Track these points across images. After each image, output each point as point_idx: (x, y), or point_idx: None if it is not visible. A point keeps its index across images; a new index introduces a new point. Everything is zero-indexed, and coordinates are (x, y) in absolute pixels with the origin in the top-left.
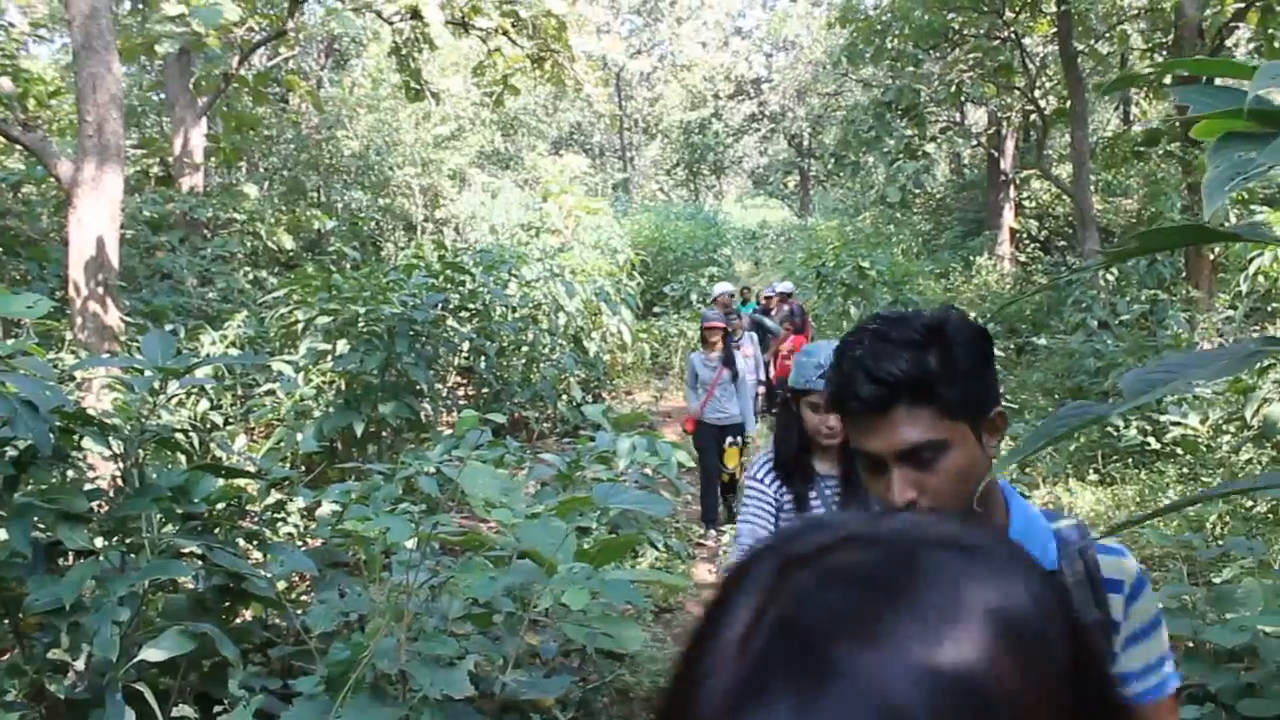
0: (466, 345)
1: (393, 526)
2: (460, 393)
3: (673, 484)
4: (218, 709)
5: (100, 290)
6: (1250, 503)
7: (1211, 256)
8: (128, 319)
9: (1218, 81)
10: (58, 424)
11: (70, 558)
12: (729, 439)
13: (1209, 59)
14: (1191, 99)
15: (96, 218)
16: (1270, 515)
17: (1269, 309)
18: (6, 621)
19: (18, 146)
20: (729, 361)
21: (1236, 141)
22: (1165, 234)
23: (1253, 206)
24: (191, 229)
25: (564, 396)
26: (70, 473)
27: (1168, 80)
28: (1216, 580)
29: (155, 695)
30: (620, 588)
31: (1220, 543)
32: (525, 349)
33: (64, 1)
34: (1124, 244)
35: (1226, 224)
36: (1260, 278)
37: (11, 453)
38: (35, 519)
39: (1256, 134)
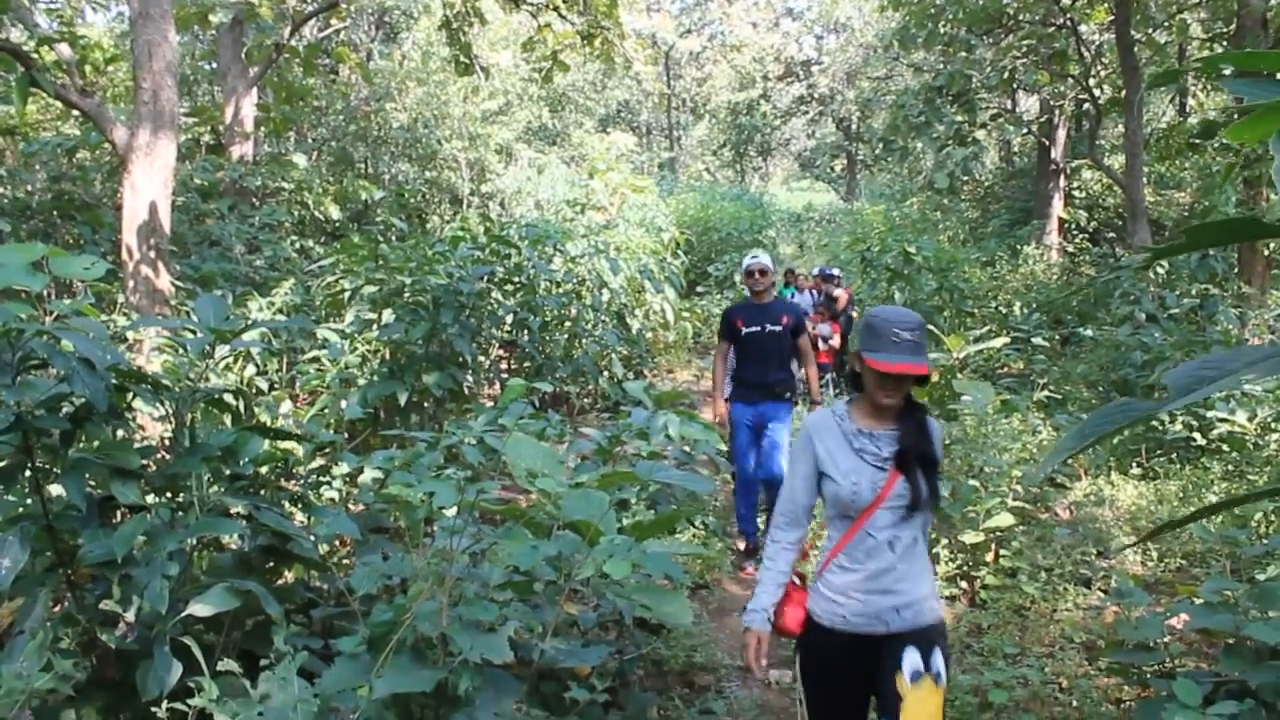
0: (510, 318)
1: (438, 491)
2: (503, 366)
3: (713, 461)
4: (262, 663)
5: (152, 255)
6: None
7: (1266, 252)
8: (178, 283)
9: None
10: (113, 381)
11: (121, 514)
12: (906, 665)
13: (1260, 52)
14: (1244, 91)
15: (150, 183)
16: None
17: None
18: (61, 572)
19: (73, 113)
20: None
21: None
22: (1214, 228)
23: None
24: (240, 197)
25: (606, 372)
26: (121, 431)
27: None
28: (1261, 577)
29: (201, 650)
30: (661, 559)
31: (1265, 540)
32: (568, 324)
33: None
34: (1174, 238)
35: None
36: None
37: (67, 409)
38: (89, 474)
39: None
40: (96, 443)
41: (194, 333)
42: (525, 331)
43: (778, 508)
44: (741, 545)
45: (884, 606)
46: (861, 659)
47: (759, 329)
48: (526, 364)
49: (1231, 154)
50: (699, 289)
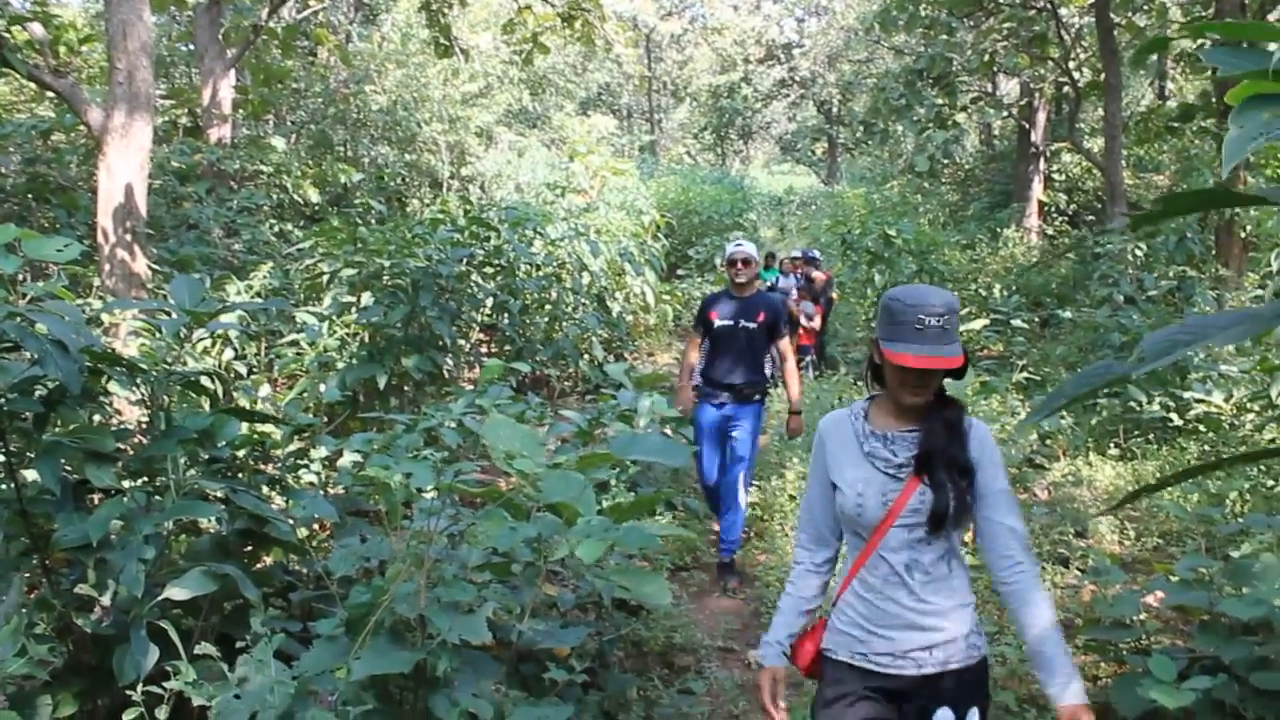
0: (490, 301)
1: (415, 471)
2: (483, 349)
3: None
4: (239, 645)
5: (128, 238)
6: (1272, 482)
7: (1243, 235)
8: (155, 267)
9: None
10: (87, 364)
11: (97, 497)
12: None
13: (1241, 23)
14: (1221, 61)
15: (126, 165)
16: None
17: None
18: (36, 557)
19: (48, 94)
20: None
21: (1263, 103)
22: (1189, 197)
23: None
24: (218, 180)
25: (586, 355)
26: (97, 417)
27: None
28: (1235, 554)
29: (178, 634)
30: (636, 534)
31: (1240, 519)
32: (548, 307)
33: None
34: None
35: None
36: None
37: (41, 392)
38: (63, 458)
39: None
40: (71, 426)
41: (169, 315)
42: (505, 314)
43: (799, 524)
44: (715, 526)
45: (913, 645)
46: (887, 708)
47: (732, 324)
48: (507, 347)
49: (1209, 137)
50: (680, 272)
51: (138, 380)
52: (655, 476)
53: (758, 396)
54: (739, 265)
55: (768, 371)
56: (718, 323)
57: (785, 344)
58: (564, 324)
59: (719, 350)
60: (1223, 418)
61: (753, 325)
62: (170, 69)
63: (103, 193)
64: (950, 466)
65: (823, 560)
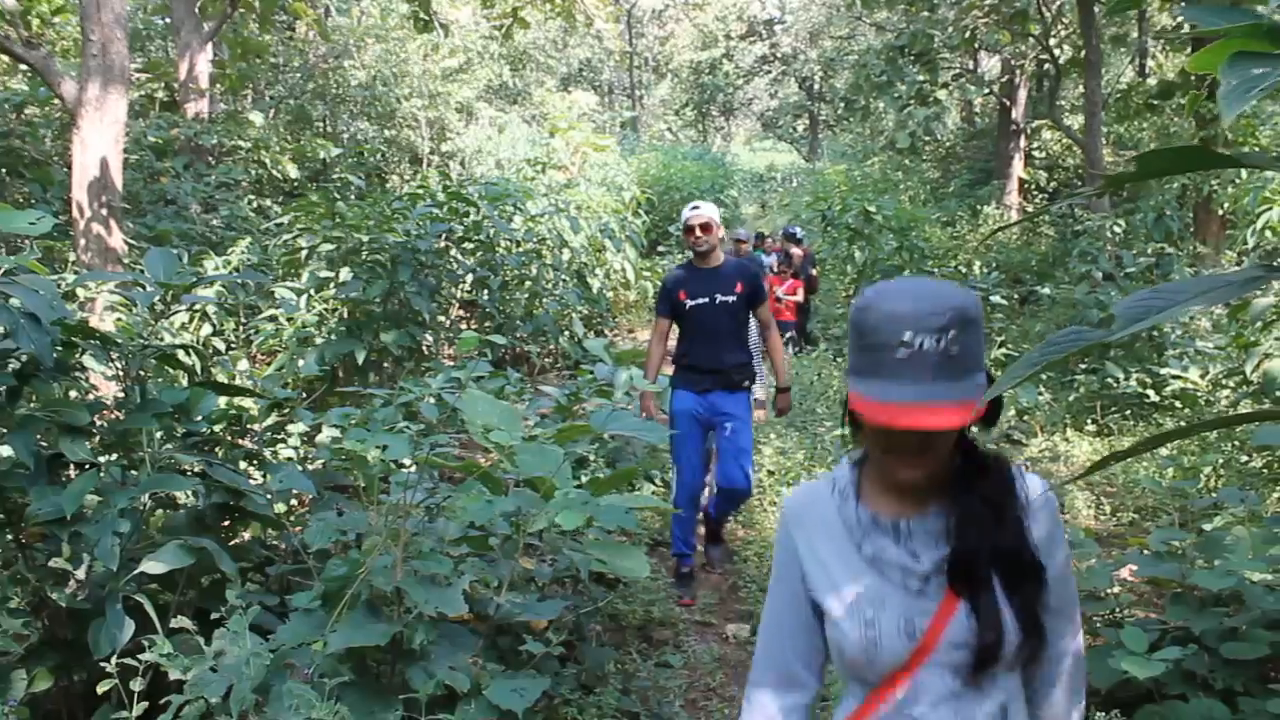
0: (470, 277)
1: (391, 444)
2: (463, 325)
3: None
4: (215, 618)
5: (104, 212)
6: (1246, 458)
7: (1220, 212)
8: (131, 242)
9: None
10: (60, 337)
11: (72, 471)
12: None
13: None
14: (1200, 17)
15: (100, 138)
16: (1265, 471)
17: (1278, 264)
18: (10, 531)
19: (21, 68)
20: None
21: (1248, 59)
22: (1165, 155)
23: None
24: (196, 155)
25: (566, 332)
26: (73, 394)
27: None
28: (1207, 528)
29: (154, 609)
30: (614, 511)
31: (1213, 494)
32: (529, 283)
33: None
34: (1130, 197)
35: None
36: (1268, 233)
37: (14, 365)
38: (37, 432)
39: (1266, 54)
40: (45, 400)
41: (144, 288)
42: (485, 290)
43: (757, 652)
44: (682, 569)
45: None
46: None
47: (707, 300)
48: (487, 323)
49: (1189, 115)
50: (660, 248)
51: (113, 354)
52: (634, 452)
53: (747, 383)
54: (697, 232)
55: (753, 347)
56: (690, 303)
57: (766, 311)
58: (544, 300)
59: (698, 333)
60: (1199, 394)
61: (731, 299)
62: (146, 42)
63: (77, 167)
64: (1004, 571)
65: (789, 707)
